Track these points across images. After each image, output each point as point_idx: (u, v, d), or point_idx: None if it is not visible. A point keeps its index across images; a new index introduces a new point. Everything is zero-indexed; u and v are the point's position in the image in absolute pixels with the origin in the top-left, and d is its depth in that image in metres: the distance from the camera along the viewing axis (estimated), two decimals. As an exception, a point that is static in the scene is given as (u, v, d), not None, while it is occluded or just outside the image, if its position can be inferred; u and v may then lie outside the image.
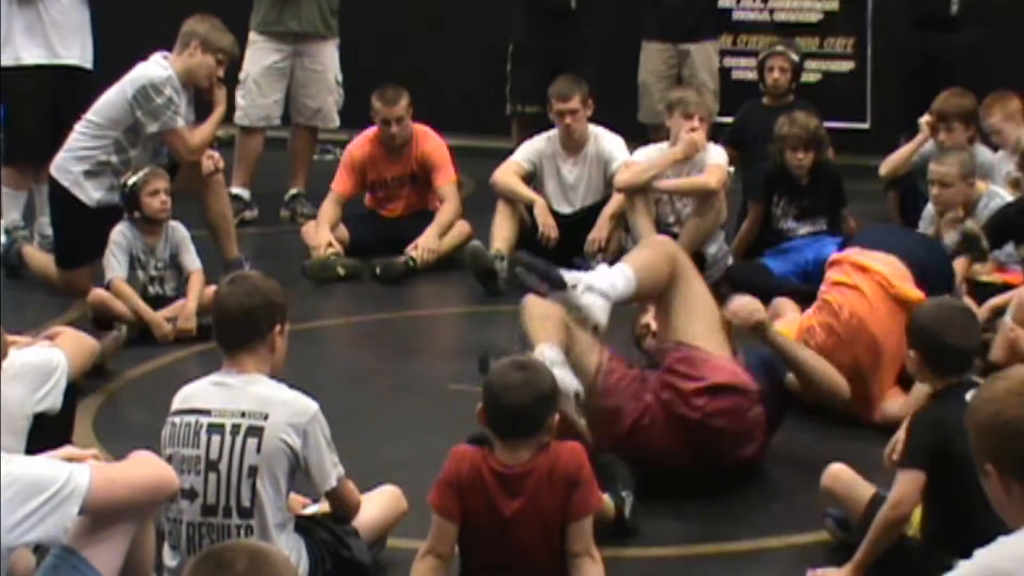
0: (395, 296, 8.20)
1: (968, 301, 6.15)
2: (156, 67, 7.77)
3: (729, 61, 10.93)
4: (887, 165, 8.50)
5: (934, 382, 4.78)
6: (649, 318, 6.04)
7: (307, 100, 9.70)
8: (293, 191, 9.79)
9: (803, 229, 8.15)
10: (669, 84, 9.75)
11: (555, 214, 8.49)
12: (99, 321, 7.13)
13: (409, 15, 11.96)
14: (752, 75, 9.72)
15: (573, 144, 8.60)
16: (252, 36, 9.61)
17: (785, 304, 6.87)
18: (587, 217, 8.46)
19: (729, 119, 9.40)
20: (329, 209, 8.81)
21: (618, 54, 10.17)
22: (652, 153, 8.25)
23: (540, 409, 4.45)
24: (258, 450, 4.41)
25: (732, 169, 8.30)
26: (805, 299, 6.64)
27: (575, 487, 4.42)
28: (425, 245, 8.51)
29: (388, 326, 7.81)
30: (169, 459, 4.40)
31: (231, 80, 8.83)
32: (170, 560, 4.52)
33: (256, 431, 4.42)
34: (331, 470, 4.52)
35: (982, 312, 6.43)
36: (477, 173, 9.52)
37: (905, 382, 6.09)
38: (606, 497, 4.95)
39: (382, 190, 8.98)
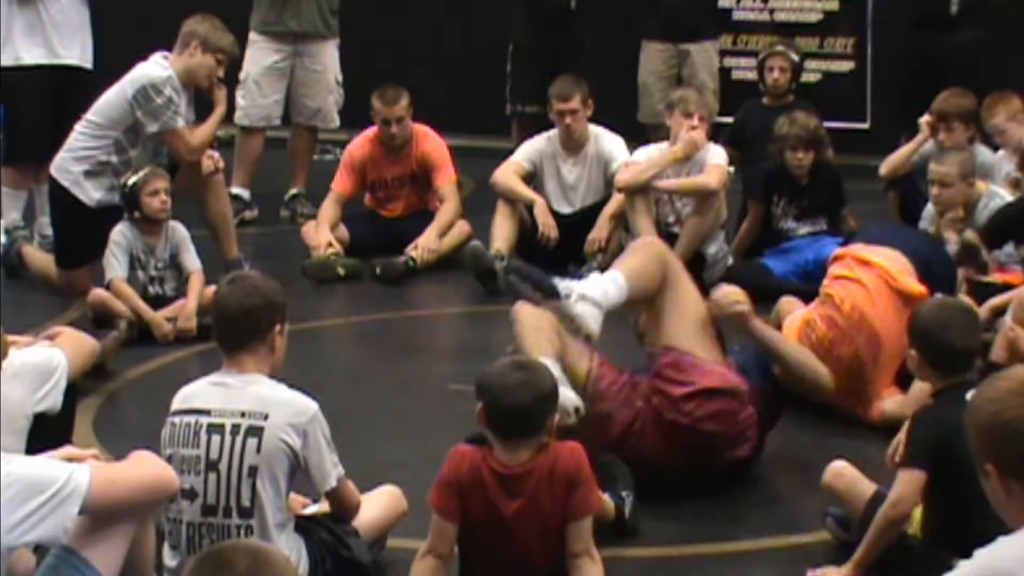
0: (395, 296, 8.20)
1: (968, 301, 6.15)
2: (156, 67, 7.77)
3: (729, 61, 10.94)
4: (887, 165, 8.50)
5: (935, 381, 4.79)
6: None
7: (307, 100, 9.70)
8: (293, 191, 9.80)
9: (803, 229, 8.15)
10: (669, 84, 9.75)
11: (555, 214, 8.49)
12: (99, 321, 7.13)
13: (409, 15, 11.96)
14: (752, 75, 9.72)
15: (573, 144, 8.59)
16: (252, 36, 9.61)
17: (792, 303, 6.84)
18: (587, 217, 8.45)
19: (729, 119, 9.40)
20: (329, 209, 8.81)
21: (618, 54, 10.17)
22: (652, 153, 8.25)
23: (540, 409, 4.45)
24: (258, 450, 4.41)
25: (732, 169, 8.30)
26: (805, 299, 6.63)
27: (575, 487, 4.43)
28: (425, 245, 8.51)
29: (388, 326, 7.81)
30: (169, 459, 4.40)
31: (231, 80, 8.83)
32: (170, 560, 4.52)
33: (256, 431, 4.42)
34: (331, 470, 4.52)
35: (982, 312, 6.41)
36: (477, 173, 9.52)
37: (904, 382, 6.09)
38: (606, 497, 4.95)
39: (382, 190, 8.98)
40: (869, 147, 9.84)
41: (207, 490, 4.42)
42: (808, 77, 10.34)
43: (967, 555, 3.13)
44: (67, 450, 4.29)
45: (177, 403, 4.55)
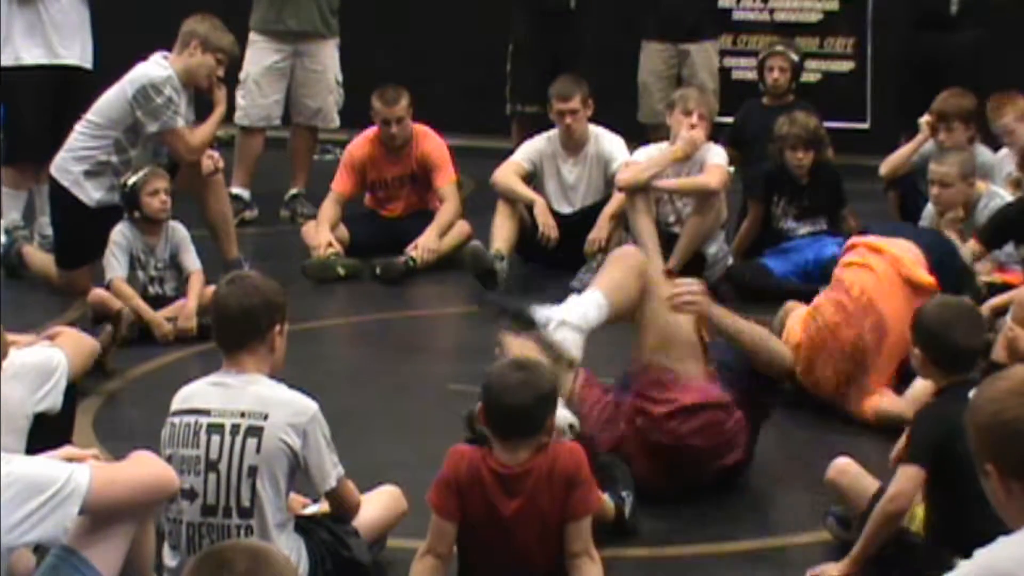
0: (395, 296, 8.20)
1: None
2: (156, 67, 7.76)
3: (729, 61, 10.94)
4: (887, 165, 8.51)
5: (938, 380, 4.80)
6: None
7: (307, 100, 9.70)
8: (293, 191, 9.79)
9: (803, 229, 8.15)
10: (669, 84, 9.76)
11: (555, 214, 8.49)
12: (99, 321, 7.12)
13: (409, 15, 11.96)
14: (752, 75, 9.72)
15: (573, 144, 8.59)
16: (252, 36, 9.61)
17: (796, 307, 6.79)
18: (587, 217, 8.45)
19: (729, 119, 9.40)
20: (329, 209, 8.81)
21: (618, 54, 10.17)
22: (652, 152, 8.25)
23: (539, 409, 4.45)
24: (258, 450, 4.41)
25: (732, 169, 8.30)
26: (805, 299, 6.63)
27: (574, 487, 4.43)
28: (425, 245, 8.51)
29: (388, 326, 7.81)
30: (169, 459, 4.40)
31: (231, 80, 8.83)
32: (170, 560, 4.52)
33: (256, 431, 4.41)
34: (331, 470, 4.52)
35: (982, 312, 6.42)
36: (477, 173, 9.52)
37: (904, 381, 6.10)
38: (606, 497, 4.95)
39: (382, 190, 8.98)
40: (869, 147, 9.84)
41: (207, 490, 4.42)
42: (808, 77, 10.34)
43: (968, 555, 3.13)
44: (67, 450, 4.29)
45: (177, 403, 4.55)
